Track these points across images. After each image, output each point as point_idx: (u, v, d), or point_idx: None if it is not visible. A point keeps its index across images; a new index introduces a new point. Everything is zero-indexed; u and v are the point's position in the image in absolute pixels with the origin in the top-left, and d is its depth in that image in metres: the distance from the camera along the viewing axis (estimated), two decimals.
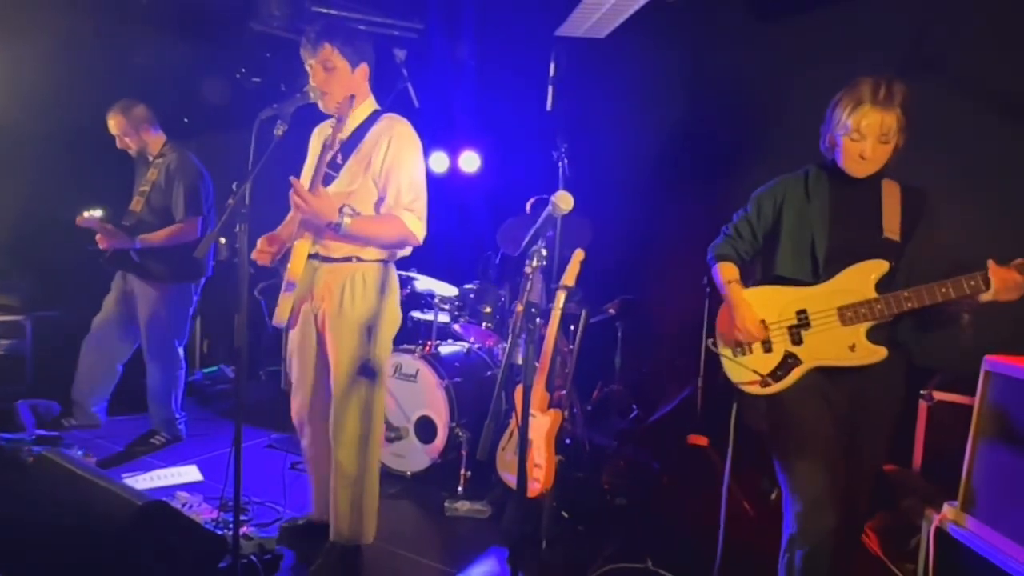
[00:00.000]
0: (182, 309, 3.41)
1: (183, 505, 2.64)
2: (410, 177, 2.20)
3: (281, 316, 2.18)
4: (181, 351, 3.46)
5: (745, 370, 1.93)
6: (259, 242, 2.28)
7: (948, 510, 2.20)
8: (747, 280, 2.02)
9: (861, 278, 1.78)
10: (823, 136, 1.88)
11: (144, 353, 3.40)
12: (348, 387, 2.23)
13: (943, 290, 1.68)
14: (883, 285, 1.78)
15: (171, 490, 2.85)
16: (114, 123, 3.30)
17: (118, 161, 3.37)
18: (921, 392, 2.58)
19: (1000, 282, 1.60)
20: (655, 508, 3.05)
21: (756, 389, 1.91)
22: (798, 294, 1.87)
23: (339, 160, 2.20)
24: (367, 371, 2.25)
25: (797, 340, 1.87)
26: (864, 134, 1.75)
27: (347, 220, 2.03)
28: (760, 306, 1.92)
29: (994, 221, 2.91)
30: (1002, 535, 1.99)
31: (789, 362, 1.86)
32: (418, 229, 2.21)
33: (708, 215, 2.47)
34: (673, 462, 3.31)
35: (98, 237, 3.21)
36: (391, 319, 2.32)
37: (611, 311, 3.70)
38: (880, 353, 1.77)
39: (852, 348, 1.79)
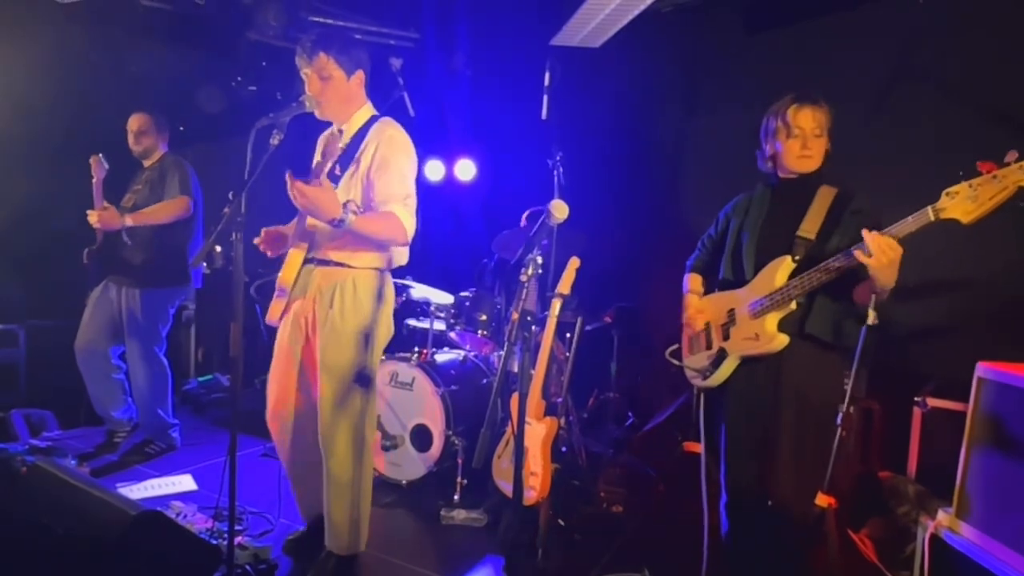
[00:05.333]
0: (160, 315, 3.40)
1: (177, 515, 2.63)
2: (400, 175, 2.18)
3: (274, 315, 2.24)
4: (163, 358, 3.45)
5: (691, 368, 2.21)
6: (264, 231, 2.28)
7: (943, 517, 2.20)
8: None
9: (770, 274, 1.97)
10: (761, 157, 2.09)
11: (128, 359, 3.39)
12: (344, 395, 2.22)
13: (818, 275, 1.84)
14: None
15: (165, 500, 2.84)
16: (138, 120, 3.40)
17: (115, 171, 3.38)
18: (915, 399, 2.59)
19: (876, 246, 1.68)
20: (652, 516, 3.04)
21: (698, 382, 2.16)
22: (732, 296, 2.09)
23: (337, 171, 2.21)
24: (363, 379, 2.25)
25: (726, 336, 2.09)
26: (803, 128, 1.95)
27: (351, 217, 1.98)
28: (709, 310, 2.17)
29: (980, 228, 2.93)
30: (997, 541, 2.00)
31: (720, 356, 2.08)
32: (409, 225, 2.16)
33: (702, 223, 2.49)
34: (669, 470, 3.31)
35: (91, 214, 3.20)
36: (386, 328, 2.32)
37: (607, 319, 3.71)
38: (780, 340, 1.92)
39: (756, 337, 1.97)
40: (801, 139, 1.95)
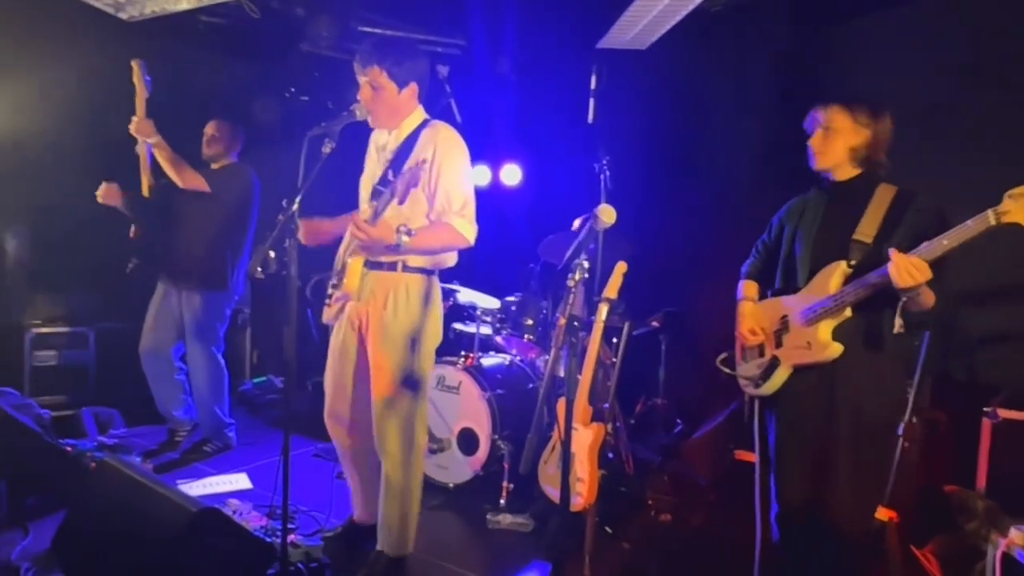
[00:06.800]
0: (218, 316, 3.52)
1: (234, 512, 2.71)
2: (458, 182, 2.22)
3: (330, 315, 2.34)
4: (221, 358, 3.57)
5: (742, 376, 2.16)
6: (303, 224, 2.24)
7: (1016, 534, 2.09)
8: None
9: (824, 280, 1.90)
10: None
11: (188, 360, 3.53)
12: (392, 398, 2.26)
13: (869, 281, 1.78)
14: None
15: (222, 497, 2.93)
16: (211, 126, 3.53)
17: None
18: (985, 410, 2.47)
19: (894, 267, 1.66)
20: (702, 526, 2.98)
21: (751, 390, 2.11)
22: (785, 302, 2.03)
23: (390, 176, 2.25)
24: (410, 383, 2.28)
25: (779, 344, 2.02)
26: (808, 127, 2.00)
27: (405, 239, 2.05)
28: (762, 316, 2.12)
29: None
30: None
31: (772, 364, 2.01)
32: (469, 233, 2.23)
33: (755, 225, 2.43)
34: (720, 479, 3.23)
35: (133, 121, 3.20)
36: (434, 331, 2.35)
37: (655, 324, 3.66)
38: (833, 349, 1.85)
39: (808, 346, 1.91)
40: (811, 139, 2.00)
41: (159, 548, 1.96)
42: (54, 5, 3.37)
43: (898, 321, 1.72)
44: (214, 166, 3.56)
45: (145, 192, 3.37)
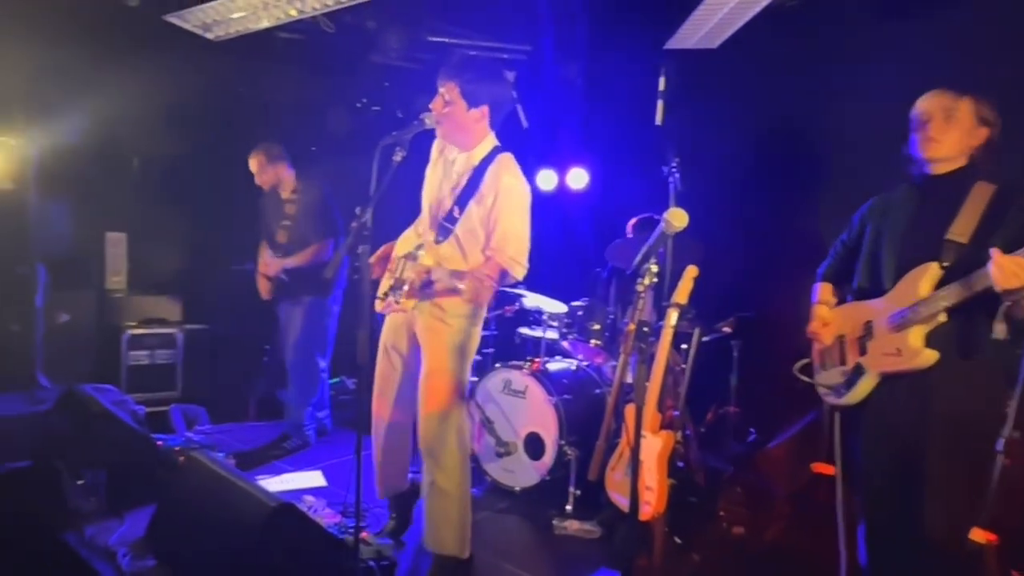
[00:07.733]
0: (319, 323, 3.69)
1: (309, 508, 2.81)
2: (514, 226, 2.28)
3: (382, 308, 2.40)
4: (321, 365, 3.75)
5: (823, 385, 2.06)
6: (376, 259, 2.44)
7: None
8: None
9: (912, 283, 1.79)
10: (905, 157, 1.94)
11: (290, 361, 3.73)
12: (447, 410, 2.32)
13: (970, 283, 1.65)
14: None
15: (299, 493, 3.04)
16: (254, 161, 3.73)
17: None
18: None
19: (997, 268, 1.55)
20: (777, 540, 2.86)
21: (832, 400, 2.02)
22: (869, 307, 1.92)
23: (456, 214, 2.30)
24: (461, 390, 2.36)
25: (863, 351, 1.91)
26: (928, 112, 1.83)
27: (460, 286, 2.15)
28: (843, 322, 2.01)
29: None
30: None
31: (856, 372, 1.91)
32: (519, 272, 2.31)
33: (832, 227, 2.32)
34: (797, 491, 3.10)
35: (262, 265, 3.68)
36: (477, 342, 2.43)
37: (726, 329, 3.55)
38: (926, 356, 1.74)
39: (898, 353, 1.79)
40: (924, 126, 1.84)
41: (241, 539, 2.06)
42: (149, 27, 3.61)
43: (1001, 326, 1.61)
44: (284, 194, 3.75)
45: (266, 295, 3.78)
